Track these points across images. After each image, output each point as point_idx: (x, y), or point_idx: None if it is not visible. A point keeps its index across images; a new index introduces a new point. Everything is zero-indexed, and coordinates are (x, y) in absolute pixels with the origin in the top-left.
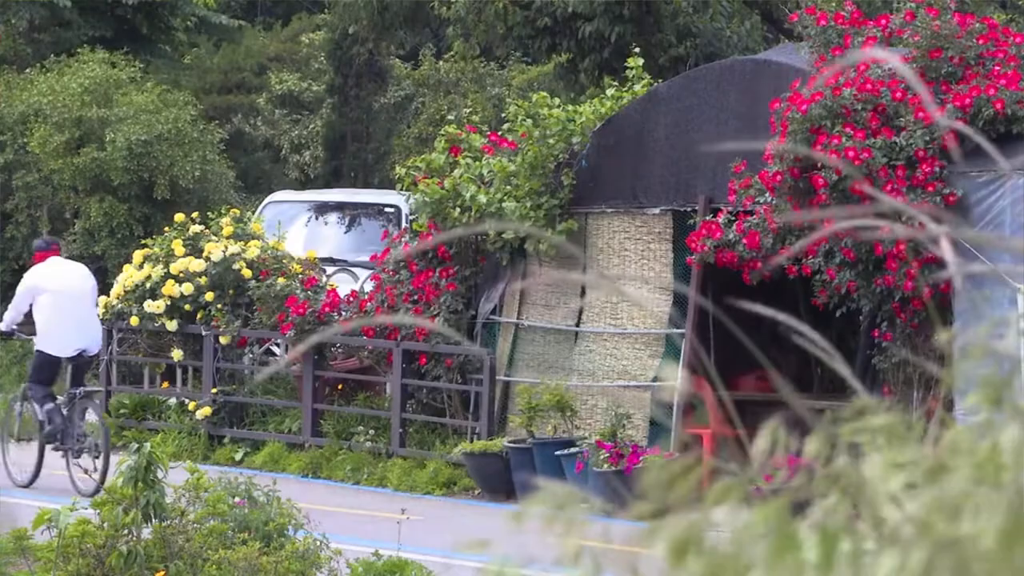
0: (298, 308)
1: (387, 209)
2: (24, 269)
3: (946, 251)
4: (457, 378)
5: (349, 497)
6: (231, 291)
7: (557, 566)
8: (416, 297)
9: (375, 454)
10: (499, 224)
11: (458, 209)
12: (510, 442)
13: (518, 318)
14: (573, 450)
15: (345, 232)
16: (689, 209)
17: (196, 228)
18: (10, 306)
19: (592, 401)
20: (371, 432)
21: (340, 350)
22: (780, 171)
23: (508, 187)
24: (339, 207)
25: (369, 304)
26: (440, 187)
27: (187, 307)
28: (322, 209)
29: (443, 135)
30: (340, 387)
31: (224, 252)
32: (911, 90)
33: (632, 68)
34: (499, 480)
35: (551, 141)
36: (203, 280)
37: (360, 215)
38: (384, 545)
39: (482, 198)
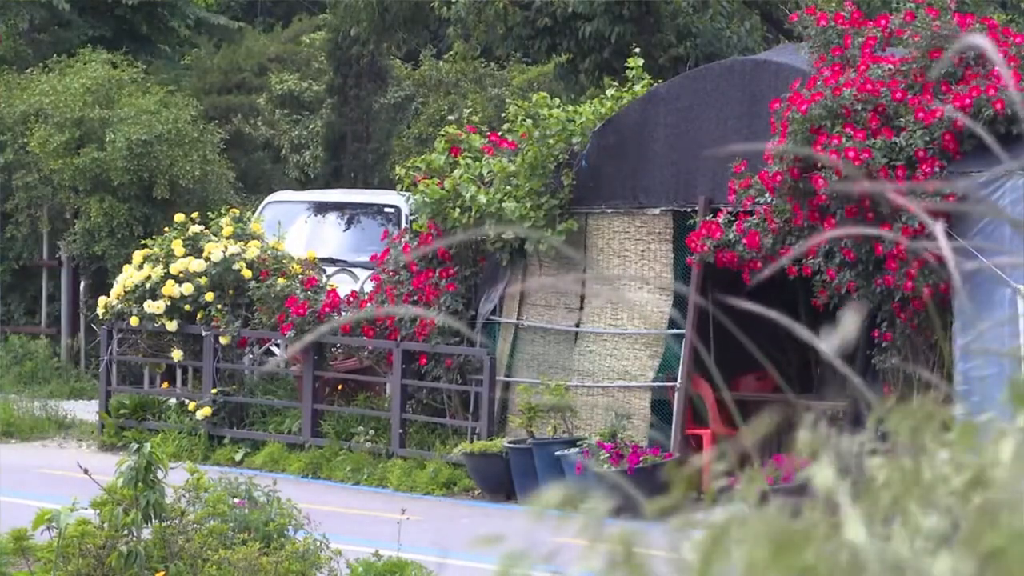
0: (298, 308)
1: (387, 209)
2: (24, 269)
3: (946, 250)
4: (457, 378)
5: (349, 497)
6: (231, 291)
7: (570, 566)
8: (416, 297)
9: (375, 454)
10: (499, 227)
11: (458, 209)
12: (510, 442)
13: (518, 318)
14: (573, 450)
15: (345, 232)
16: (689, 209)
17: (196, 228)
18: None
19: (592, 401)
20: (371, 432)
21: (340, 350)
22: (780, 171)
23: (508, 187)
24: (339, 207)
25: (369, 304)
26: (440, 187)
27: (187, 307)
28: (322, 209)
29: (443, 135)
30: (340, 387)
31: (224, 252)
32: (911, 90)
33: (632, 68)
34: (499, 480)
35: (551, 141)
36: (203, 280)
37: (360, 215)
38: (384, 545)
39: (482, 198)
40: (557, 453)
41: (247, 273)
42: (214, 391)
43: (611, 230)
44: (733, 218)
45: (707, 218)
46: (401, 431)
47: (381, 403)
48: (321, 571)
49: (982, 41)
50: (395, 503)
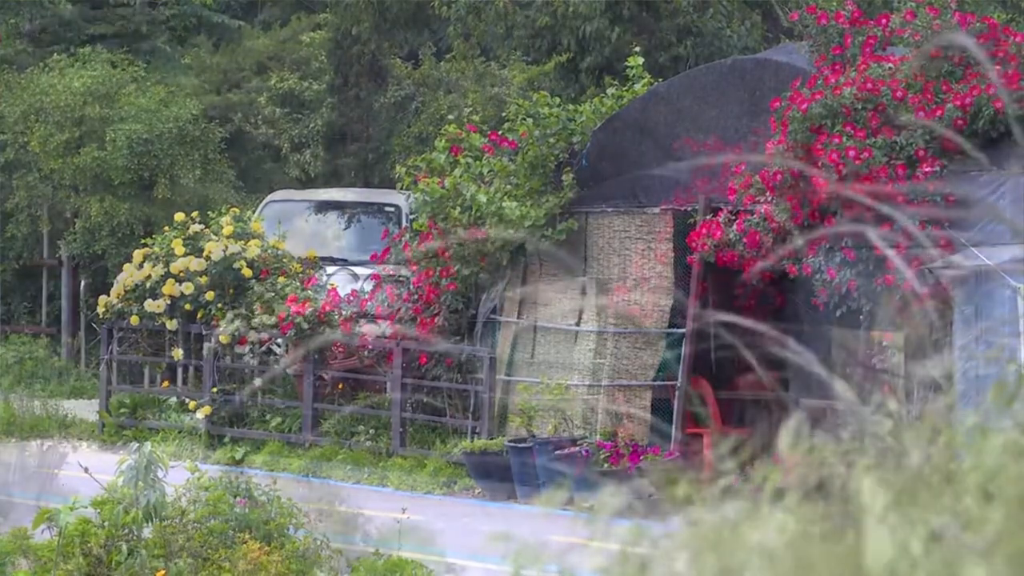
0: (298, 307)
1: (387, 208)
2: (25, 268)
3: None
4: (457, 378)
5: (349, 497)
6: (231, 290)
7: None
8: (416, 297)
9: (375, 454)
10: (501, 234)
11: (458, 208)
12: (510, 442)
13: (518, 318)
14: (573, 450)
15: (345, 231)
16: (689, 209)
17: (196, 227)
18: None
19: (592, 401)
20: (371, 432)
21: (340, 350)
22: (780, 170)
23: (508, 186)
24: (339, 206)
25: (369, 303)
26: (440, 186)
27: (187, 306)
28: (322, 208)
29: (443, 134)
30: (340, 387)
31: (224, 251)
32: (911, 89)
33: (632, 67)
34: (499, 480)
35: (551, 140)
36: (203, 279)
37: (360, 214)
38: (384, 545)
39: (482, 197)
40: (557, 453)
41: (247, 272)
42: (214, 390)
43: (611, 229)
44: (733, 217)
45: (707, 218)
46: (401, 430)
47: (381, 403)
48: (321, 571)
49: (966, 40)
50: (395, 503)
